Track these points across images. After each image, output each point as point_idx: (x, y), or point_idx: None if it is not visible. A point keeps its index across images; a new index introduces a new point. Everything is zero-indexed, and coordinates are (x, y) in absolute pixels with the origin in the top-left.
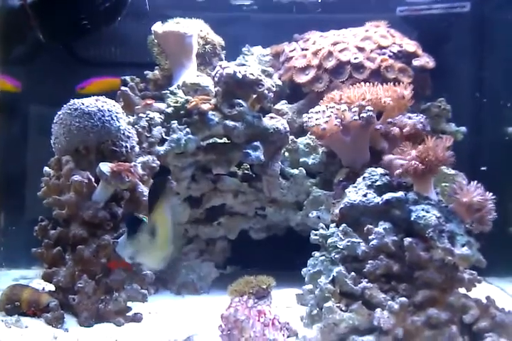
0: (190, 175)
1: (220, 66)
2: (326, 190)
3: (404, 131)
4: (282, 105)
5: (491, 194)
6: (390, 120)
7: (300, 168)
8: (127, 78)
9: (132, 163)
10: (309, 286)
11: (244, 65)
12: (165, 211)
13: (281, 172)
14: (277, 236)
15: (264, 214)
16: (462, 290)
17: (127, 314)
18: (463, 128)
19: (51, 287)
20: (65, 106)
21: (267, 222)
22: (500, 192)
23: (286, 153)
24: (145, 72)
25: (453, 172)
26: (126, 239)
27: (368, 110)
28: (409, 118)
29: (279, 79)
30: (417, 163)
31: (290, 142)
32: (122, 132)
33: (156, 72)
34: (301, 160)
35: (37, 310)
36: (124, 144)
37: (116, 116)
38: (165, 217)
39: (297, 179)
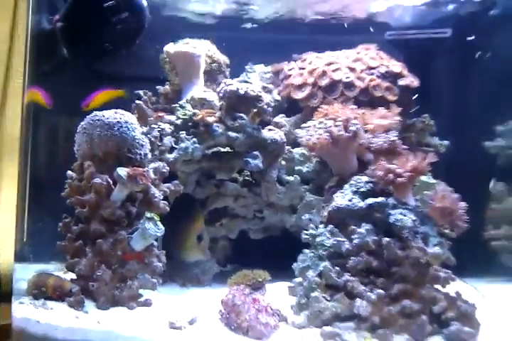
0: (196, 180)
1: (225, 83)
2: (317, 196)
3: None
4: (280, 118)
5: (463, 201)
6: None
7: (295, 176)
8: (141, 92)
9: (145, 168)
10: (299, 279)
11: (246, 81)
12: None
13: (278, 179)
14: (274, 237)
15: (262, 217)
16: (438, 287)
17: (139, 300)
18: (446, 142)
19: (72, 276)
20: (87, 117)
21: (264, 223)
22: (476, 199)
23: (283, 162)
24: (157, 87)
25: (434, 181)
26: (139, 234)
27: (355, 124)
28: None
29: (278, 94)
30: (393, 175)
31: (286, 152)
32: (137, 141)
33: (167, 87)
34: (297, 168)
35: (61, 295)
36: (138, 152)
37: (132, 126)
38: (204, 228)
39: (292, 185)
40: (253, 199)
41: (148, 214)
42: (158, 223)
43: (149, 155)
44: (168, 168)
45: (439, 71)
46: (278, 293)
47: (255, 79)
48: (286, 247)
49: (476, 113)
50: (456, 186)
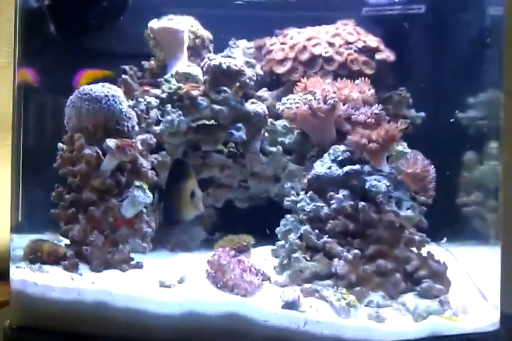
0: (182, 151)
1: (208, 58)
2: (299, 165)
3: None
4: (263, 92)
5: (432, 166)
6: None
7: (278, 147)
8: (126, 67)
9: (133, 140)
10: (281, 242)
11: (229, 56)
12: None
13: (261, 150)
14: (258, 205)
15: (247, 186)
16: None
17: (131, 262)
18: (422, 114)
19: (67, 242)
20: (75, 91)
21: (249, 192)
22: (450, 168)
23: (266, 134)
24: (142, 62)
25: (409, 150)
26: (129, 202)
27: (332, 97)
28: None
29: (261, 69)
30: (366, 140)
31: (269, 124)
32: (124, 114)
33: (152, 62)
34: (279, 139)
35: (56, 259)
36: (126, 124)
37: (119, 100)
38: (196, 185)
39: (275, 156)
40: (238, 169)
41: (137, 183)
42: (147, 191)
43: (136, 128)
44: (155, 140)
45: (414, 45)
46: (262, 256)
47: (238, 55)
48: (270, 215)
49: (450, 86)
50: (431, 156)
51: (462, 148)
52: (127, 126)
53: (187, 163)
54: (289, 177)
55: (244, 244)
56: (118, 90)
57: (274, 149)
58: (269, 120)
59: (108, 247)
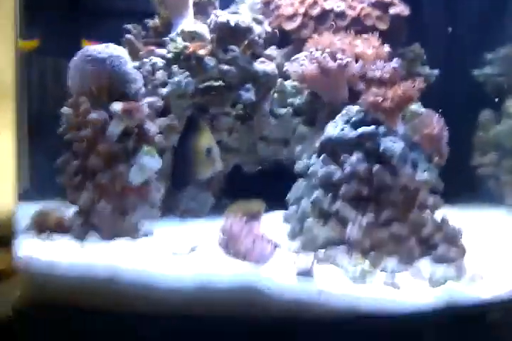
0: (190, 114)
1: (215, 15)
2: (310, 127)
3: (378, 75)
4: (272, 50)
5: (452, 129)
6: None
7: (287, 108)
8: (130, 26)
9: (140, 103)
10: (293, 207)
11: (237, 13)
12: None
13: (270, 112)
14: (268, 169)
15: (255, 150)
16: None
17: (140, 230)
18: (435, 71)
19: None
20: (78, 52)
21: (258, 156)
22: (465, 127)
23: (275, 95)
24: (146, 21)
25: (423, 110)
26: (137, 168)
27: (344, 54)
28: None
29: (269, 26)
30: (381, 99)
31: (278, 84)
32: (130, 75)
33: (156, 20)
34: (289, 100)
35: (64, 228)
36: (131, 86)
37: (123, 61)
38: (213, 139)
39: (285, 118)
40: (246, 132)
41: (145, 148)
42: (156, 156)
43: (142, 90)
44: (162, 103)
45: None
46: (273, 222)
47: (245, 11)
48: (280, 179)
49: (465, 41)
50: (446, 115)
51: (478, 107)
52: (133, 89)
53: (199, 119)
54: (299, 140)
55: (256, 209)
56: (122, 51)
57: (283, 111)
58: (279, 80)
59: (117, 215)
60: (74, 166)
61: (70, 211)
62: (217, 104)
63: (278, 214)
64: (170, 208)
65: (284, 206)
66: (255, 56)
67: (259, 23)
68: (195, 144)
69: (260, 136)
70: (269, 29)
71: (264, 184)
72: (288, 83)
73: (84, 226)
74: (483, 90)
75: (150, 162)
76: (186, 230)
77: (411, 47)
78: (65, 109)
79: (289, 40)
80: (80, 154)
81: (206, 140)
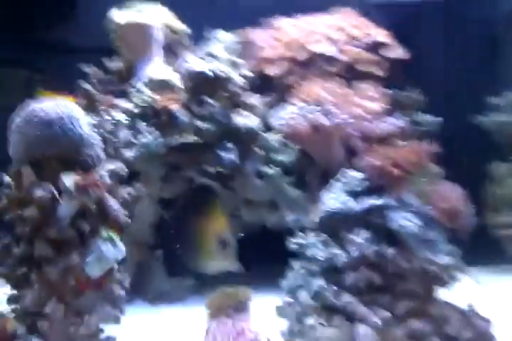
0: (162, 175)
1: (188, 62)
2: (299, 189)
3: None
4: (253, 98)
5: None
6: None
7: (276, 168)
8: (88, 70)
9: (99, 174)
10: (289, 299)
11: (212, 55)
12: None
13: (255, 171)
14: (253, 237)
15: (239, 215)
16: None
17: (100, 336)
18: (436, 119)
19: None
20: (22, 112)
21: (242, 222)
22: (473, 182)
23: (259, 151)
24: (103, 60)
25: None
26: (95, 258)
27: (339, 114)
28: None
29: (249, 70)
30: (392, 167)
31: (262, 139)
32: (86, 139)
33: (120, 63)
34: (275, 157)
35: (3, 338)
36: (88, 152)
37: (78, 122)
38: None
39: (272, 178)
40: (228, 195)
41: (104, 234)
42: (118, 242)
43: (102, 155)
44: (126, 170)
45: (424, 40)
46: (264, 312)
47: (221, 51)
48: (267, 247)
49: (466, 85)
50: (449, 169)
51: (488, 159)
52: (90, 156)
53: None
54: (290, 206)
55: (242, 300)
56: (77, 109)
57: (271, 171)
58: (263, 135)
59: (70, 319)
60: (16, 254)
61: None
62: (193, 165)
63: (268, 300)
64: (139, 290)
65: (273, 286)
66: (235, 106)
67: (238, 66)
68: (205, 228)
69: (244, 200)
70: (248, 74)
71: (249, 254)
72: (273, 137)
73: (29, 336)
74: (490, 140)
75: (111, 250)
76: (158, 325)
77: (409, 92)
78: (7, 180)
79: (271, 86)
80: (24, 239)
81: (220, 226)
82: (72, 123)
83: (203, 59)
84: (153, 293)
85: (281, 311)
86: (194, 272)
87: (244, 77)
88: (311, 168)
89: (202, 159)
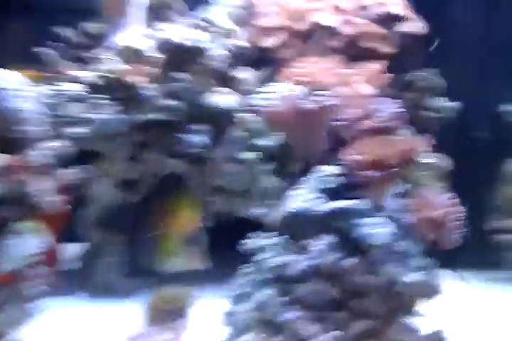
0: (125, 156)
1: (165, 30)
2: (279, 177)
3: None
4: (243, 72)
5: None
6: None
7: (255, 152)
8: (61, 31)
9: (29, 154)
10: (234, 307)
11: (208, 21)
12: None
13: (230, 156)
14: (225, 225)
15: (209, 203)
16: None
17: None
18: (453, 104)
19: None
20: None
21: (213, 210)
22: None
23: (237, 133)
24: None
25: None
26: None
27: (327, 94)
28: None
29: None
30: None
31: (243, 121)
32: (20, 114)
33: (96, 25)
34: (255, 142)
35: None
36: (20, 128)
37: (9, 94)
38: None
39: (250, 164)
40: (198, 181)
41: (24, 223)
42: (40, 232)
43: (41, 132)
44: (70, 148)
45: (449, 15)
46: (214, 316)
47: (220, 16)
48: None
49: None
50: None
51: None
52: (22, 132)
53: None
54: (262, 197)
55: (180, 305)
56: (13, 78)
57: (249, 155)
58: (245, 115)
59: None
60: None
61: None
62: (158, 147)
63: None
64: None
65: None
66: (219, 82)
67: (232, 36)
68: (171, 220)
69: (215, 187)
70: (243, 44)
71: (222, 243)
72: (254, 119)
73: None
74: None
75: (28, 243)
76: (94, 323)
77: (423, 74)
78: None
79: (267, 59)
80: None
81: (189, 219)
82: (5, 95)
83: (196, 26)
84: (98, 285)
85: (227, 319)
86: (152, 269)
87: (239, 48)
88: (294, 156)
89: (170, 140)
